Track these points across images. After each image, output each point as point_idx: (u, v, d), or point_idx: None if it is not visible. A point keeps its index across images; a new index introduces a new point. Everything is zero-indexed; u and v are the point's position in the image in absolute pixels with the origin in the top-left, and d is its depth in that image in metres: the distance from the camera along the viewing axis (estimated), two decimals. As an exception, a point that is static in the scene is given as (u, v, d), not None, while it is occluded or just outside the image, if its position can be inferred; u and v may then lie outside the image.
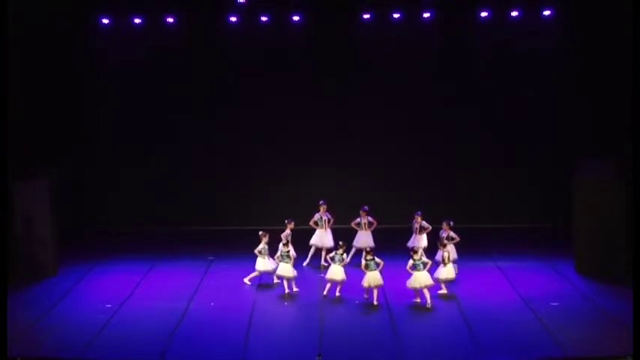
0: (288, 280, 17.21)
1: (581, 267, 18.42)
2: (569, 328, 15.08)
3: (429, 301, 16.32)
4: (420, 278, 16.38)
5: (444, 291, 17.02)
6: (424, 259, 16.60)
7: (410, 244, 18.61)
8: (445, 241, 17.52)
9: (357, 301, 16.63)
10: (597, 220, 18.04)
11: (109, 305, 16.54)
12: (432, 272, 16.90)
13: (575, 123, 21.62)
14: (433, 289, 16.69)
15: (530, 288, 17.34)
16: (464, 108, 22.36)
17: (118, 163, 22.63)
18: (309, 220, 19.11)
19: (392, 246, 18.96)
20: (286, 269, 17.14)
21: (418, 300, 16.45)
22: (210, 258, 19.83)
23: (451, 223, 18.07)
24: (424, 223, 18.91)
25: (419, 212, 19.01)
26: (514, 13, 21.87)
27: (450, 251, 17.38)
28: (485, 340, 14.59)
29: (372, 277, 16.53)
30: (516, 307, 16.29)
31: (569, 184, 18.99)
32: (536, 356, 13.80)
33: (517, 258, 19.65)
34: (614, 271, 17.70)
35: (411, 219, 19.12)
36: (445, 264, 17.09)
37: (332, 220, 19.15)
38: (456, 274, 17.43)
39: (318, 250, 19.19)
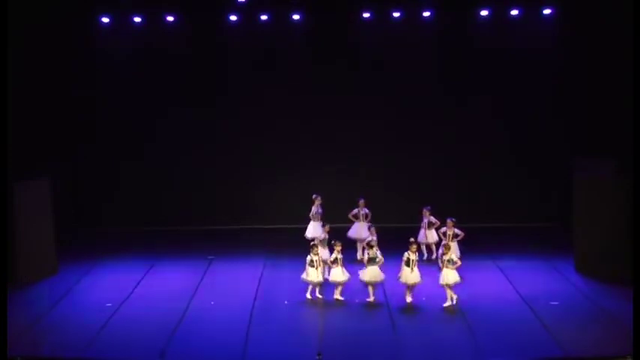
0: (314, 285, 16.80)
1: (581, 267, 18.41)
2: (569, 328, 15.09)
3: (409, 299, 16.39)
4: (410, 275, 16.31)
5: (447, 303, 16.32)
6: (412, 256, 16.28)
7: (420, 238, 18.76)
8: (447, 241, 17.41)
9: (357, 300, 16.61)
10: (597, 220, 18.04)
11: (109, 304, 16.56)
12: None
13: (575, 122, 21.63)
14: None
15: (530, 287, 17.32)
16: (463, 107, 22.34)
17: (117, 163, 22.62)
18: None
19: (391, 245, 18.94)
20: (312, 274, 16.67)
21: (409, 300, 16.43)
22: (210, 258, 19.82)
23: (454, 220, 18.24)
24: (432, 218, 18.98)
25: (428, 207, 19.14)
26: (514, 12, 21.85)
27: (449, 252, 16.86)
28: (486, 339, 14.59)
29: (372, 272, 16.48)
30: (516, 306, 16.29)
31: (569, 184, 18.98)
32: (536, 356, 13.80)
33: (517, 258, 19.63)
34: (614, 271, 17.68)
35: (417, 215, 19.24)
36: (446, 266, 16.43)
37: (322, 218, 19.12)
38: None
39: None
